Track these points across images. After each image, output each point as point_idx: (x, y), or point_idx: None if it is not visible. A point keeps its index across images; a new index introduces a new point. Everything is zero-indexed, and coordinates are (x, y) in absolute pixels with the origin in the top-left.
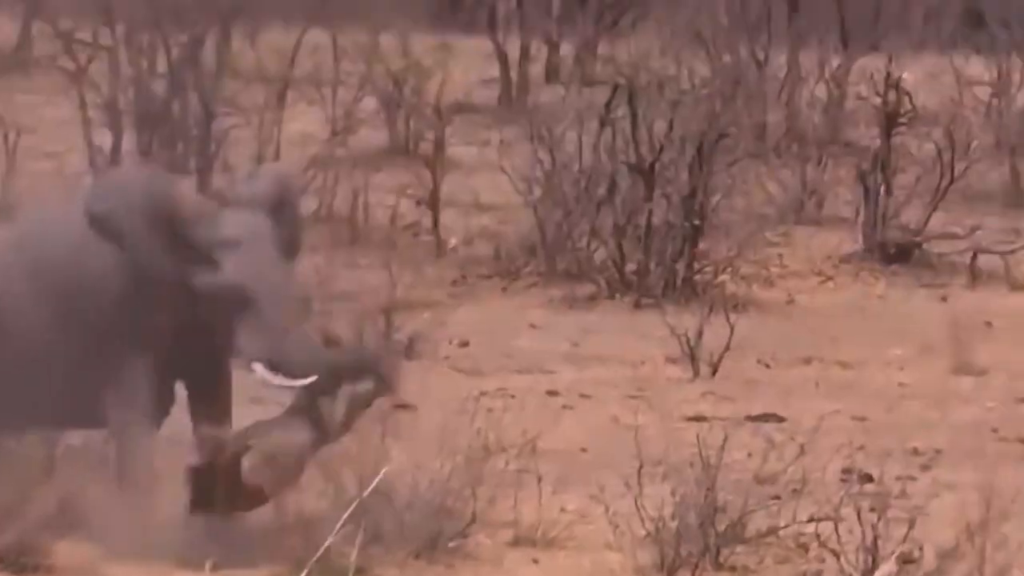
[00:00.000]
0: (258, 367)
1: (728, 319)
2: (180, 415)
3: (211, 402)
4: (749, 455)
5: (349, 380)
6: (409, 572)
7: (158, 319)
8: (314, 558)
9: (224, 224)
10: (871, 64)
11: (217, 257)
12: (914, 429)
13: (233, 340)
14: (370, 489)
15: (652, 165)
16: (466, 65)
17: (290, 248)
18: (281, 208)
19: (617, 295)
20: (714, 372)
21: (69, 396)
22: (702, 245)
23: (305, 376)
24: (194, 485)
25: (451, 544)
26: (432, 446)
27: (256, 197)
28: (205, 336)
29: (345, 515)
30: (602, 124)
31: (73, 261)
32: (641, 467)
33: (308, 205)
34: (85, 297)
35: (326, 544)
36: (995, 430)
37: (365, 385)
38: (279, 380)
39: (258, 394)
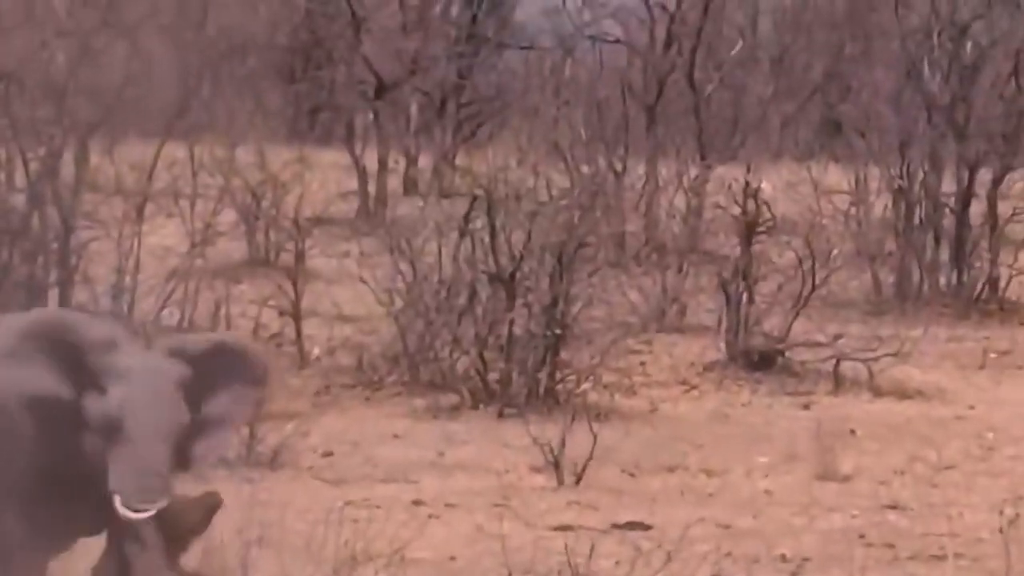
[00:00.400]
0: (116, 500)
1: (591, 428)
2: None
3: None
4: (616, 563)
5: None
6: None
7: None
8: None
9: (124, 355)
10: (729, 173)
11: (105, 385)
12: (781, 536)
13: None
14: None
15: (512, 274)
16: (324, 178)
17: (227, 422)
18: (214, 374)
19: (480, 405)
20: (578, 481)
21: None
22: (564, 354)
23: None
24: None
25: None
26: (299, 557)
27: (182, 348)
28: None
29: None
30: (461, 235)
31: None
32: None
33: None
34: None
35: None
36: (862, 536)
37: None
38: (123, 511)
39: None
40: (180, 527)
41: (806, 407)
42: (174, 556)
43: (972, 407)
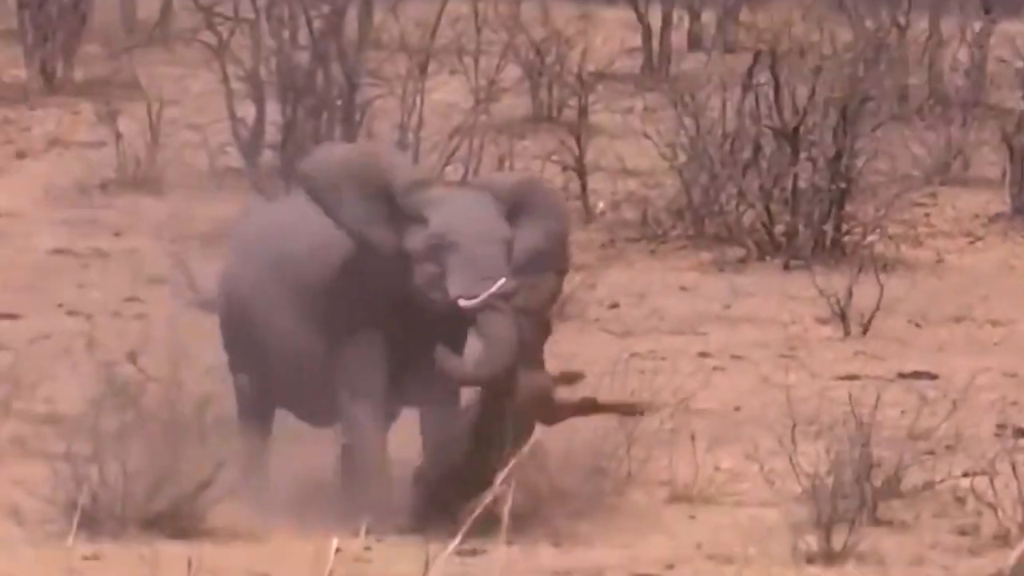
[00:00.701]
0: (464, 303)
1: (878, 279)
2: None
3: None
4: (902, 412)
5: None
6: (566, 530)
7: (386, 302)
8: (470, 519)
9: (440, 193)
10: (1014, 27)
11: (426, 215)
12: None
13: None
14: (525, 449)
15: (796, 128)
16: (607, 35)
17: (542, 257)
18: (523, 210)
19: (766, 257)
20: (864, 331)
21: (311, 393)
22: (849, 207)
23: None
24: (424, 489)
25: (607, 502)
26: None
27: (489, 183)
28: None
29: (501, 476)
30: (745, 89)
31: (312, 254)
32: (795, 426)
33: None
34: (323, 290)
35: (482, 504)
36: None
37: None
38: (472, 302)
39: None
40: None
41: None
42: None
43: None
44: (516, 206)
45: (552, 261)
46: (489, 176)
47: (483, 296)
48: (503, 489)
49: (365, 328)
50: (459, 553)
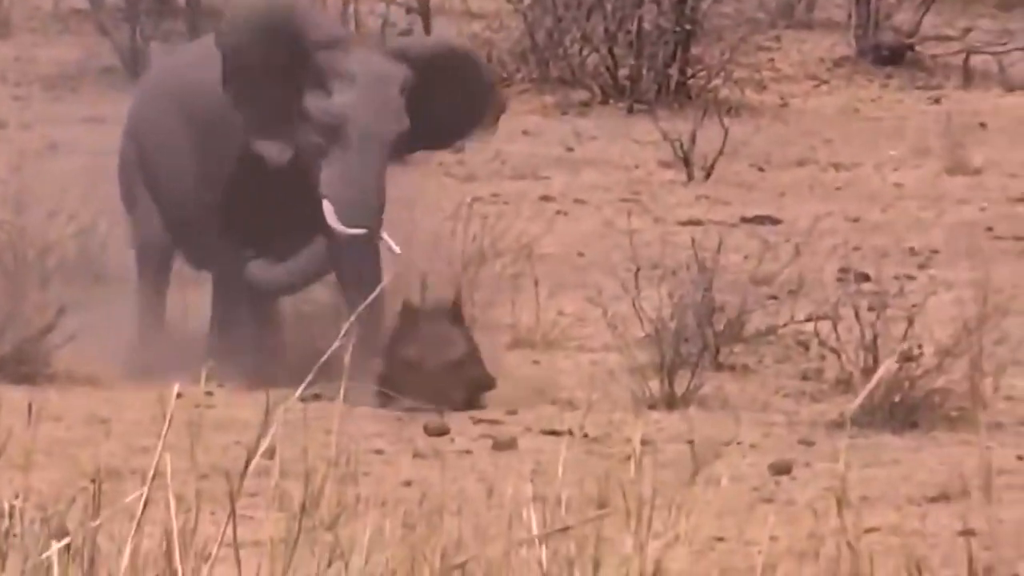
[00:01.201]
0: (325, 204)
1: (722, 123)
2: None
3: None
4: (745, 257)
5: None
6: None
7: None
8: (315, 367)
9: (351, 59)
10: None
11: (331, 86)
12: (909, 229)
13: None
14: (370, 301)
15: None
16: None
17: (463, 123)
18: (442, 75)
19: (610, 100)
20: (708, 176)
21: (198, 236)
22: (694, 50)
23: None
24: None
25: None
26: (428, 252)
27: (405, 51)
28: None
29: (345, 326)
30: None
31: (216, 98)
32: (638, 270)
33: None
34: (220, 130)
35: (330, 350)
36: (990, 229)
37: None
38: (335, 224)
39: None
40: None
41: (936, 101)
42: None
43: None
44: (434, 72)
45: (475, 124)
46: (406, 42)
47: (349, 232)
48: (346, 338)
49: (251, 178)
50: (301, 399)
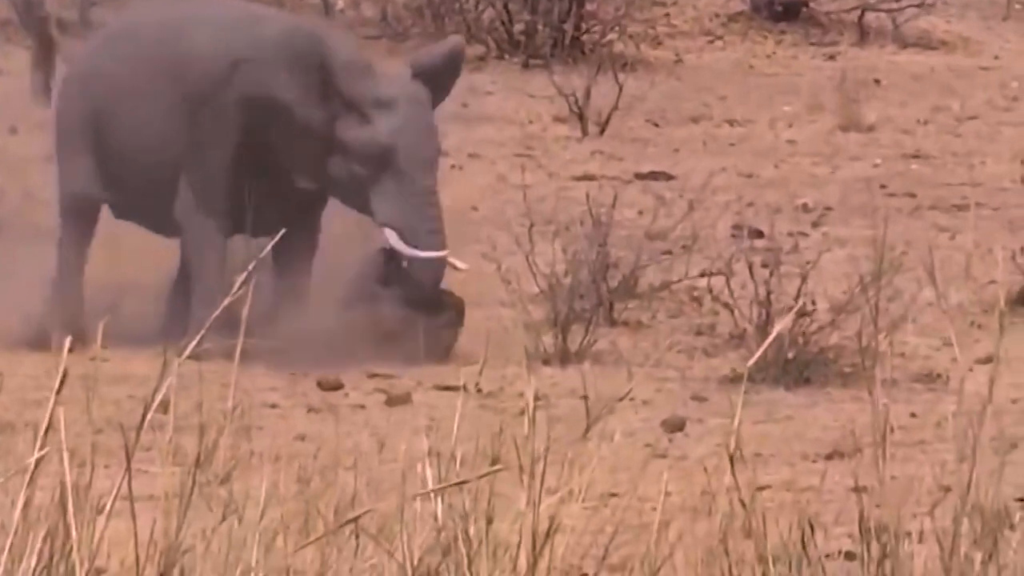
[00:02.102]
0: (390, 233)
1: (616, 78)
2: None
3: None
4: (639, 213)
5: None
6: (304, 334)
7: (260, 145)
8: (207, 322)
9: (382, 83)
10: None
11: (369, 114)
12: (803, 185)
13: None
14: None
15: None
16: None
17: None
18: (445, 75)
19: (505, 55)
20: (602, 131)
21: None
22: (589, 6)
23: (435, 250)
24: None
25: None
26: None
27: (422, 66)
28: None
29: (241, 278)
30: None
31: (205, 63)
32: (532, 225)
33: None
34: (205, 102)
35: (221, 307)
36: (884, 186)
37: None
38: (407, 249)
39: None
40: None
41: (831, 58)
42: None
43: (996, 57)
44: (440, 81)
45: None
46: (419, 56)
47: (415, 254)
48: (243, 291)
49: (228, 152)
50: (195, 357)
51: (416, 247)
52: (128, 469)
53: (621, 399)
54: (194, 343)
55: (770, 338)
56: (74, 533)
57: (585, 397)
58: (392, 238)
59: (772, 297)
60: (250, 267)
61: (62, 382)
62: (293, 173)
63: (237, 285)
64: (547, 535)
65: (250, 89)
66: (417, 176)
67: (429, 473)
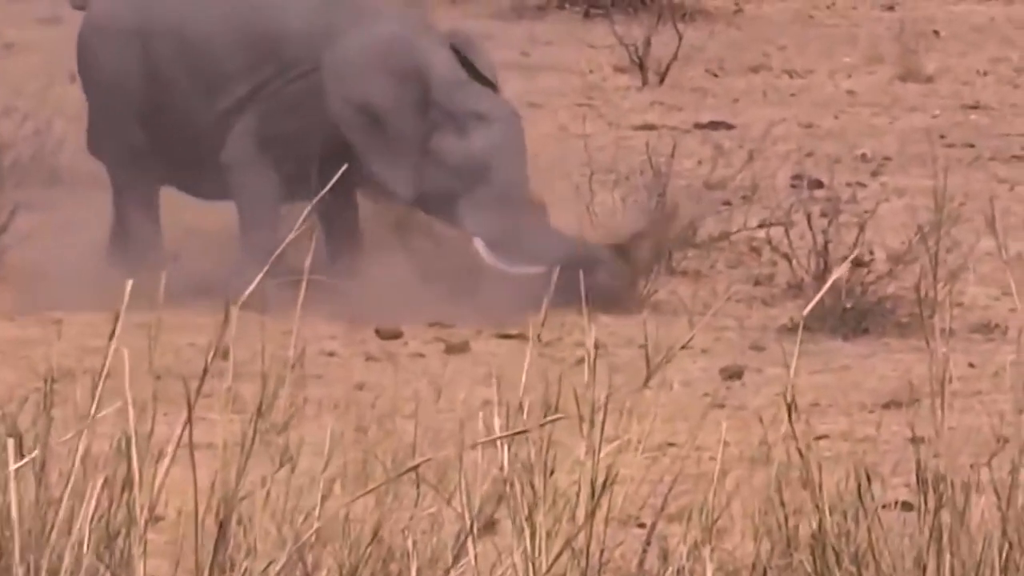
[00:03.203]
0: (479, 243)
1: (676, 28)
2: None
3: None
4: (699, 162)
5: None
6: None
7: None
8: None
9: (477, 97)
10: None
11: (466, 127)
12: (862, 135)
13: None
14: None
15: None
16: None
17: None
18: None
19: (566, 5)
20: (662, 81)
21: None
22: None
23: (533, 265)
24: None
25: None
26: None
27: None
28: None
29: (298, 224)
30: None
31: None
32: (592, 174)
33: None
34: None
35: (285, 242)
36: (943, 136)
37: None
38: (498, 262)
39: None
40: None
41: (890, 8)
42: None
43: None
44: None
45: None
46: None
47: (508, 268)
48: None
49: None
50: (253, 306)
51: (506, 261)
52: (189, 417)
53: (681, 348)
54: (250, 289)
55: (826, 286)
56: (136, 480)
57: (644, 346)
58: (482, 250)
59: (830, 247)
60: (305, 213)
61: (115, 329)
62: (386, 181)
63: (294, 232)
64: (605, 485)
65: (348, 91)
66: (512, 194)
67: (489, 422)
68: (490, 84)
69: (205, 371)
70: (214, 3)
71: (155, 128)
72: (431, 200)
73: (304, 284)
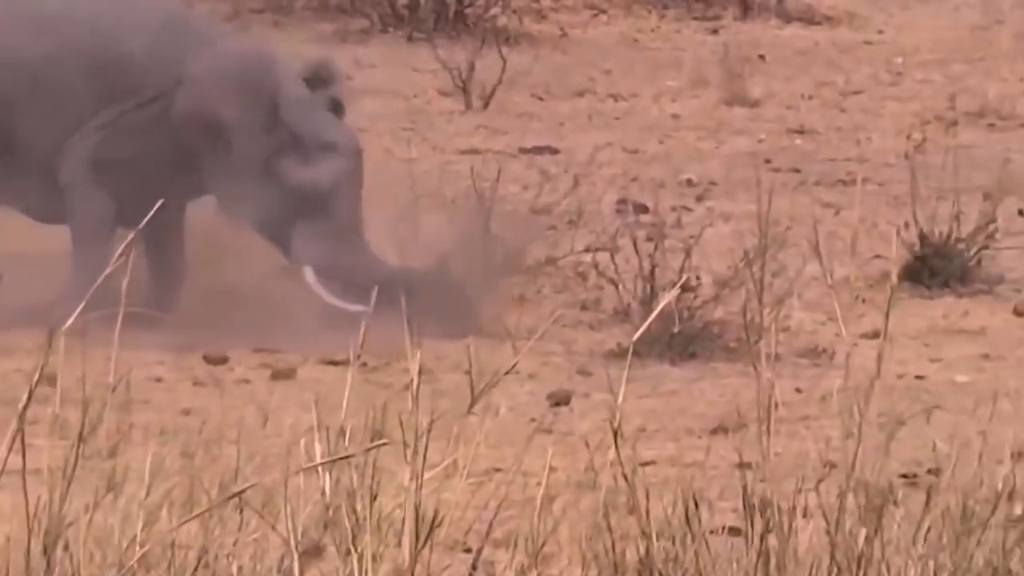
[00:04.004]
0: (310, 273)
1: (500, 52)
2: None
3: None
4: (524, 187)
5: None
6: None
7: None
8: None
9: (325, 124)
10: None
11: (311, 154)
12: (688, 160)
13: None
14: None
15: None
16: None
17: None
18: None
19: (389, 29)
20: (486, 105)
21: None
22: None
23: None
24: None
25: None
26: None
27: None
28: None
29: (118, 251)
30: None
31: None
32: (417, 199)
33: None
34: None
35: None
36: (769, 160)
37: None
38: (326, 295)
39: None
40: None
41: (714, 32)
42: None
43: (881, 32)
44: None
45: None
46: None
47: (335, 301)
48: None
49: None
50: (77, 331)
51: (336, 294)
52: (12, 442)
53: (506, 373)
54: (74, 315)
55: (655, 312)
56: None
57: (469, 372)
58: (309, 277)
59: (657, 272)
60: (129, 238)
61: None
62: (225, 199)
63: (116, 256)
64: (431, 511)
65: (197, 105)
66: (347, 223)
67: (315, 447)
68: (339, 111)
69: (29, 396)
70: (57, 28)
71: None
72: (265, 223)
73: (122, 309)
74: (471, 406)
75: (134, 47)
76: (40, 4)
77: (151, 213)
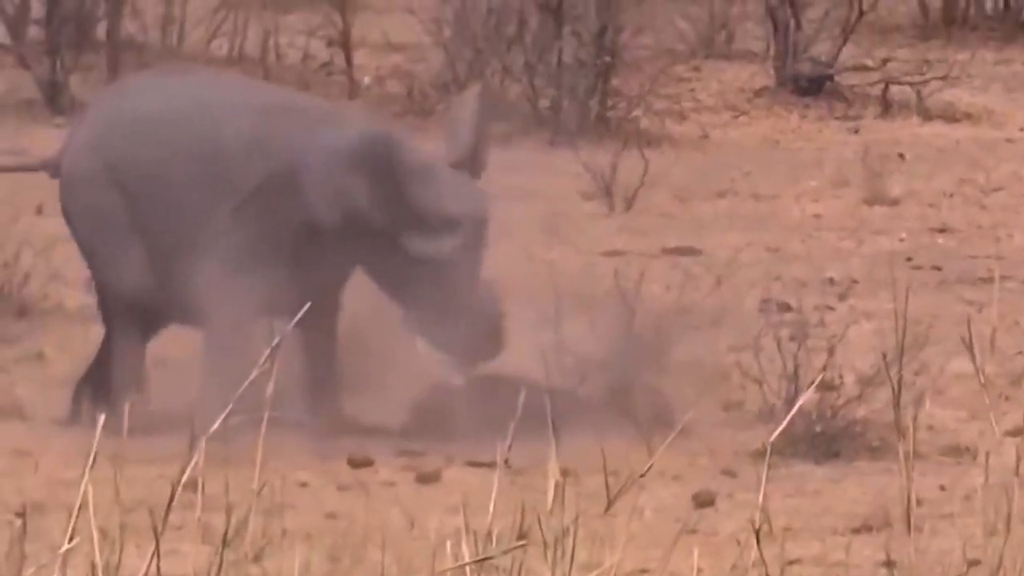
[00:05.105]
0: (423, 345)
1: (642, 154)
2: None
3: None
4: (666, 288)
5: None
6: None
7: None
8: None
9: (448, 196)
10: None
11: (436, 228)
12: (829, 259)
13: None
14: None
15: (560, 2)
16: None
17: None
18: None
19: (532, 132)
20: (629, 207)
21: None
22: (614, 81)
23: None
24: None
25: None
26: None
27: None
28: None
29: (267, 352)
30: None
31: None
32: (559, 301)
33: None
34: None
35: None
36: (909, 259)
37: None
38: (441, 366)
39: None
40: None
41: (855, 131)
42: None
43: (1022, 129)
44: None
45: None
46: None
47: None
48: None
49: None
50: (222, 436)
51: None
52: (157, 548)
53: (642, 475)
54: (220, 419)
55: (793, 410)
56: None
57: (605, 472)
58: (424, 350)
59: (800, 371)
60: (275, 343)
61: (94, 461)
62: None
63: (262, 360)
64: None
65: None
66: (467, 298)
67: (461, 549)
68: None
69: (171, 500)
70: (157, 131)
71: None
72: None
73: (266, 414)
74: (608, 507)
75: (230, 139)
76: (137, 107)
77: (300, 313)
